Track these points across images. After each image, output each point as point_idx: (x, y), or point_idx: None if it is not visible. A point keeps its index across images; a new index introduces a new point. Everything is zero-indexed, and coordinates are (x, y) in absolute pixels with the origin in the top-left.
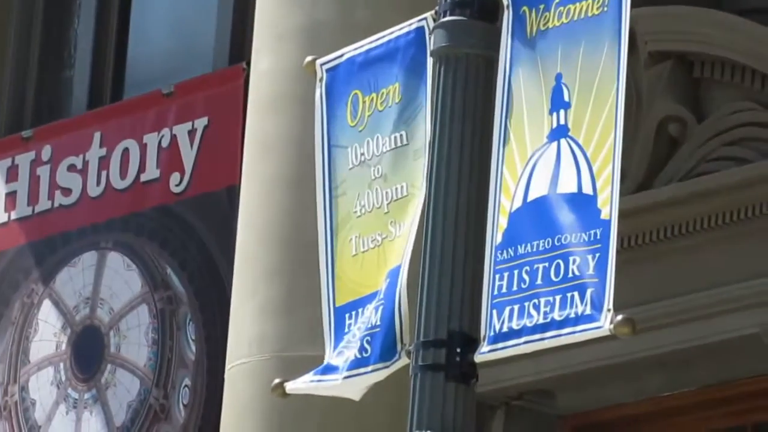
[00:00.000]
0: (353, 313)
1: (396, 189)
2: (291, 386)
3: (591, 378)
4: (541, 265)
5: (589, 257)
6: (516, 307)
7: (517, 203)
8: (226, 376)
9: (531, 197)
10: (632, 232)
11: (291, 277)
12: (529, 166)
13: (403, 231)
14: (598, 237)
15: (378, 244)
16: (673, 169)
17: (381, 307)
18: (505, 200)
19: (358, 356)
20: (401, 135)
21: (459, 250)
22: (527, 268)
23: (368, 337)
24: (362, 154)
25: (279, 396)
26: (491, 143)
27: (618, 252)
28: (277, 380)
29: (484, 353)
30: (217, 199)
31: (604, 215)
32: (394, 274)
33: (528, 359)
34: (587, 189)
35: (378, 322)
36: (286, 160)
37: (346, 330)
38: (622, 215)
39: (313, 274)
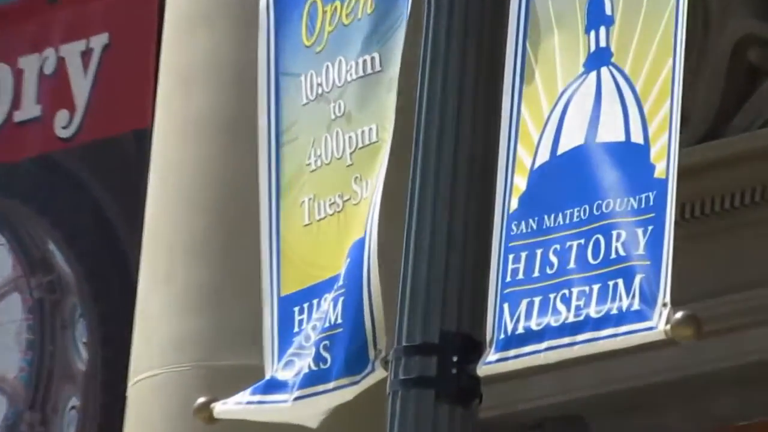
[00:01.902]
0: (305, 305)
1: (363, 133)
2: (220, 409)
3: (638, 400)
4: (573, 243)
5: (639, 231)
6: (537, 299)
7: (542, 157)
8: (129, 393)
9: (561, 149)
10: (697, 198)
11: (221, 257)
12: (558, 106)
13: (370, 191)
14: (651, 203)
15: (338, 209)
16: (754, 110)
17: (342, 299)
18: (524, 153)
19: (314, 368)
20: (373, 58)
21: (456, 222)
22: (555, 246)
23: (327, 341)
24: (320, 85)
25: (203, 421)
26: (503, 74)
27: (677, 224)
28: (201, 400)
29: (491, 363)
30: (120, 147)
31: (658, 173)
32: (358, 249)
33: (553, 373)
34: (636, 137)
35: (340, 320)
36: (216, 95)
37: (296, 330)
38: (684, 173)
39: (252, 253)
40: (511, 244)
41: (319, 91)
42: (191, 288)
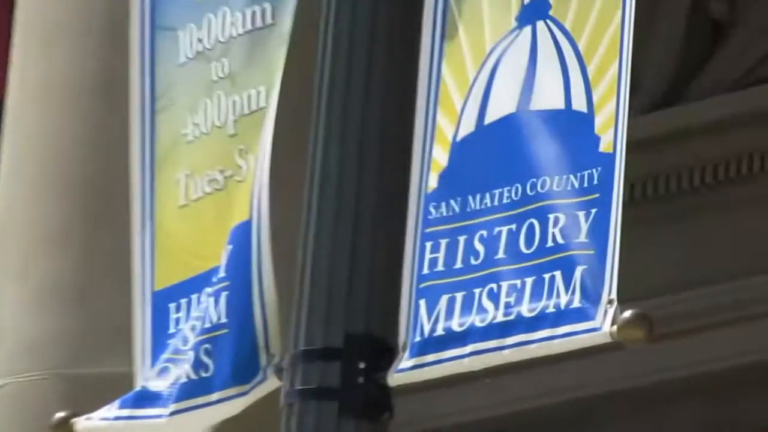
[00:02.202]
0: (183, 302)
1: (249, 97)
2: (84, 425)
3: (578, 414)
4: (503, 228)
5: (581, 215)
6: (459, 295)
7: (467, 128)
8: None
9: (489, 118)
10: (649, 176)
11: (84, 246)
12: (486, 67)
13: (257, 164)
14: (595, 182)
15: (219, 187)
16: (716, 73)
17: (225, 293)
18: (445, 123)
19: (193, 376)
20: (263, 10)
21: (365, 203)
22: (481, 232)
23: (208, 345)
24: (200, 41)
25: None
26: (421, 30)
27: (626, 207)
28: (59, 415)
29: (404, 371)
30: None
31: (604, 146)
32: (242, 234)
33: (478, 382)
34: (579, 104)
35: (223, 319)
36: (82, 56)
37: (172, 331)
38: (635, 147)
39: (121, 241)
40: (429, 230)
41: (200, 49)
42: (49, 284)
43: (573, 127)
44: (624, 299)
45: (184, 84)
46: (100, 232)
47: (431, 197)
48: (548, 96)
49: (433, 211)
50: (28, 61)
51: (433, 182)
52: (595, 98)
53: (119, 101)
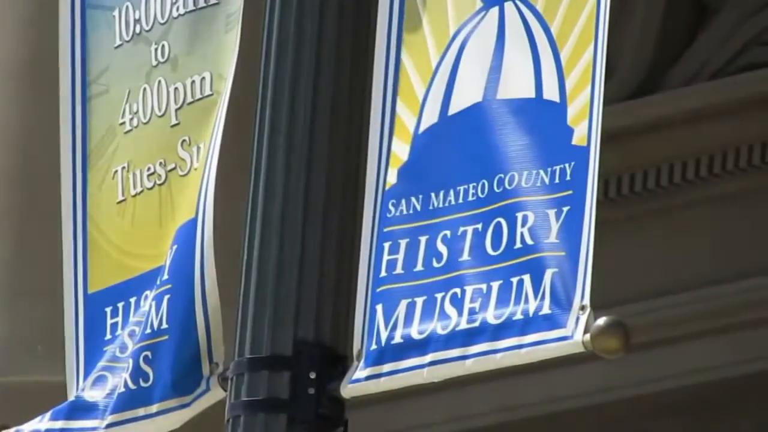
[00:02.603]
0: (120, 306)
1: (193, 83)
2: None
3: (548, 429)
4: (468, 228)
5: (552, 214)
6: (420, 300)
7: (430, 119)
8: None
9: (454, 108)
10: (626, 171)
11: (11, 244)
12: (450, 53)
13: (202, 158)
14: (568, 177)
15: (160, 182)
16: (698, 58)
17: (167, 297)
18: (405, 113)
19: (132, 386)
20: None
21: (315, 199)
22: (444, 232)
23: (148, 352)
24: (137, 22)
25: None
26: (376, 10)
27: (600, 205)
28: None
29: (359, 381)
30: None
31: (577, 139)
32: (187, 233)
33: (440, 394)
34: (550, 92)
35: (165, 324)
36: (7, 34)
37: (108, 337)
38: (610, 139)
39: (51, 238)
40: (387, 229)
41: (137, 30)
42: None
43: (544, 117)
44: (598, 306)
45: (120, 68)
46: (27, 229)
47: (390, 194)
48: (517, 84)
49: (392, 209)
50: None
51: (392, 178)
52: (568, 86)
53: (47, 85)
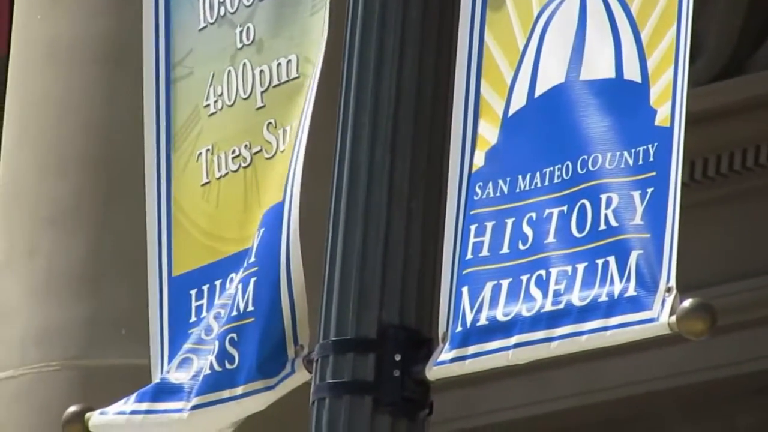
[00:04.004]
0: (205, 288)
1: (279, 66)
2: (97, 420)
3: (632, 412)
4: (553, 210)
5: (636, 195)
6: (505, 282)
7: (518, 101)
8: None
9: (539, 90)
10: (711, 153)
11: (97, 227)
12: (535, 34)
13: (289, 141)
14: (651, 159)
15: (245, 164)
16: None
17: (254, 279)
18: (491, 95)
19: (217, 368)
20: None
21: (400, 182)
22: (530, 214)
23: (234, 334)
24: (221, 3)
25: None
26: None
27: (685, 187)
28: (72, 409)
29: (444, 364)
30: None
31: (660, 120)
32: (275, 217)
33: (525, 377)
34: (631, 73)
35: (251, 307)
36: (92, 16)
37: (194, 320)
38: (695, 121)
39: (136, 221)
40: (473, 212)
41: (221, 12)
42: (59, 267)
43: (625, 98)
44: (683, 288)
45: (204, 51)
46: (113, 211)
47: (476, 176)
48: (598, 64)
49: (478, 191)
50: (32, 19)
51: (478, 160)
52: (650, 67)
53: (132, 68)
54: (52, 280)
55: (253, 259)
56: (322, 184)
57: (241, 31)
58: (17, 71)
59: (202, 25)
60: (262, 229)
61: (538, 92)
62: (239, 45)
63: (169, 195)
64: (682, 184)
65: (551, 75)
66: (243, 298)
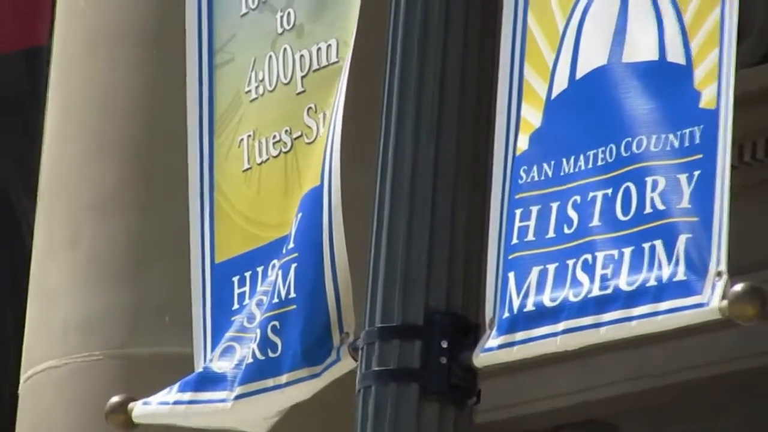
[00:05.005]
0: (247, 275)
1: (319, 50)
2: (141, 411)
3: (683, 400)
4: (597, 193)
5: (683, 178)
6: (552, 267)
7: (560, 84)
8: (20, 391)
9: (581, 72)
10: (760, 135)
11: (139, 213)
12: (575, 15)
13: (326, 124)
14: (698, 141)
15: (286, 149)
16: None
17: (294, 266)
18: (534, 78)
19: (260, 357)
20: None
21: (444, 166)
22: (575, 198)
23: (276, 322)
24: None
25: (118, 427)
26: None
27: (733, 170)
28: (115, 399)
29: (491, 350)
30: (7, 70)
31: (706, 102)
32: (313, 201)
33: (573, 363)
34: (674, 54)
35: (293, 294)
36: (132, 2)
37: (236, 307)
38: (742, 103)
39: (179, 208)
40: (518, 196)
41: None
42: (101, 255)
43: (669, 80)
44: (733, 271)
45: (246, 36)
46: (155, 198)
47: (521, 160)
48: (641, 46)
49: (523, 175)
50: (74, 9)
51: (522, 144)
52: (693, 49)
53: (175, 54)
54: (93, 268)
55: (291, 245)
56: (367, 167)
57: (281, 17)
58: (60, 59)
59: (244, 11)
60: (300, 214)
61: (579, 74)
62: (280, 30)
63: (212, 181)
64: (731, 167)
65: (593, 57)
66: (284, 285)
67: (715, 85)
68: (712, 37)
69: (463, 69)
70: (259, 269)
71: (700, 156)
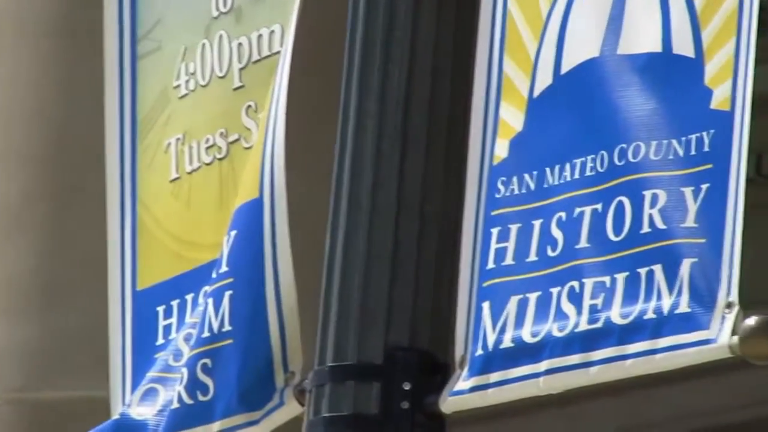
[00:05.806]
0: (174, 304)
1: (260, 37)
2: None
3: None
4: (585, 209)
5: (688, 192)
6: (533, 296)
7: (544, 79)
8: None
9: (567, 65)
10: None
11: (48, 233)
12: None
13: (263, 126)
14: (707, 149)
15: (221, 156)
16: None
17: (229, 293)
18: (514, 72)
19: (188, 401)
20: None
21: (410, 181)
22: (560, 214)
23: (207, 359)
24: None
25: None
26: None
27: (750, 184)
28: None
29: (462, 393)
30: None
31: (718, 103)
32: (249, 216)
33: (559, 409)
34: (682, 46)
35: (227, 326)
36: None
37: (161, 342)
38: (761, 105)
39: (95, 226)
40: (495, 213)
41: None
42: (6, 280)
43: (675, 76)
44: (745, 303)
45: (175, 21)
46: (67, 215)
47: (499, 170)
48: (641, 36)
49: (501, 188)
50: None
51: (501, 151)
52: (704, 39)
53: (91, 44)
54: None
55: (225, 268)
56: (318, 183)
57: (216, 0)
58: None
59: None
60: (233, 232)
61: (565, 68)
62: (215, 13)
63: (134, 193)
64: (746, 179)
65: (582, 47)
66: (216, 316)
67: (730, 82)
68: (727, 25)
69: (434, 64)
70: (189, 297)
71: (710, 166)
